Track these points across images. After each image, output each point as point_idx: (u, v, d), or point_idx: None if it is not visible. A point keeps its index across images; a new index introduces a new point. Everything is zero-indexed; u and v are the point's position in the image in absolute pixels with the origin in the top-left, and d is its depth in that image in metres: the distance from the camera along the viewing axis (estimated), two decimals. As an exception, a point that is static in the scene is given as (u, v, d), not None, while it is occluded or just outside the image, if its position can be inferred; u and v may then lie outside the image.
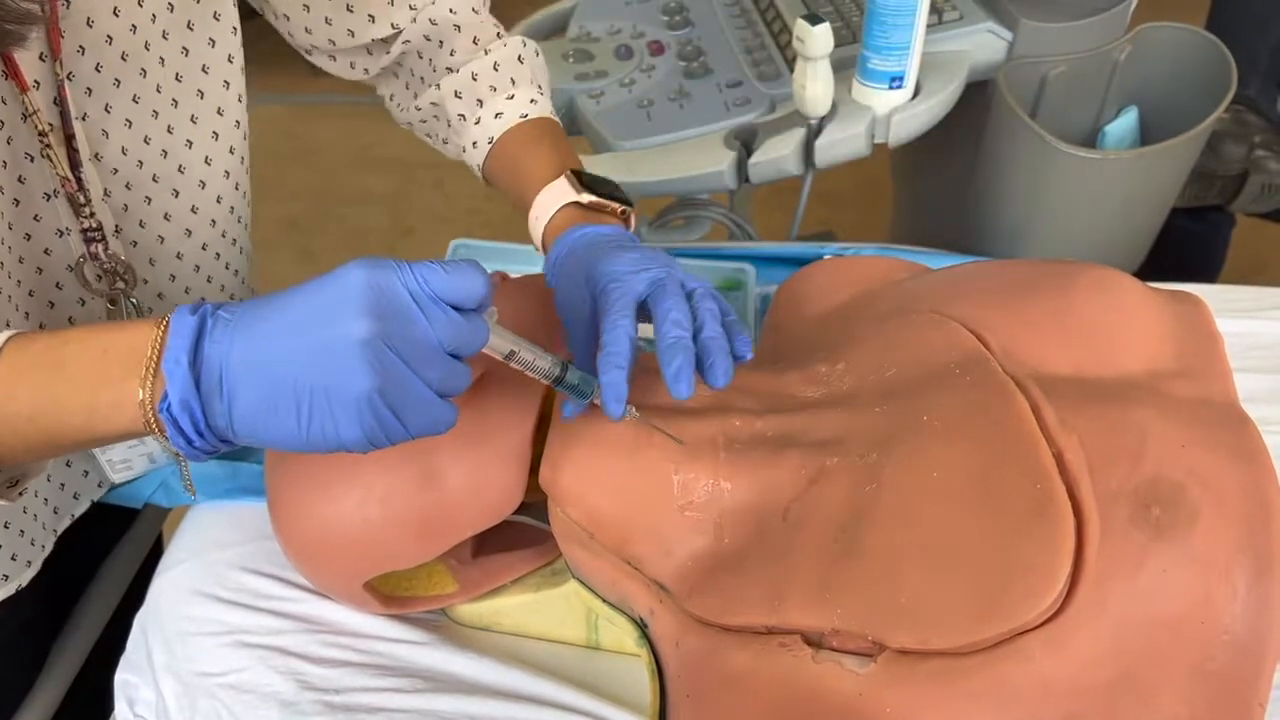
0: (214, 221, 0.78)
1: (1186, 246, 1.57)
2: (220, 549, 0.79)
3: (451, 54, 0.77)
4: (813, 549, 0.57)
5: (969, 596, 0.51)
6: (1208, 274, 1.64)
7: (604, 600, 0.67)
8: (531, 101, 0.76)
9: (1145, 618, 0.50)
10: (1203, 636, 0.51)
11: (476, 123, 0.76)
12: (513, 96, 0.76)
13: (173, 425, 0.49)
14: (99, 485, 0.83)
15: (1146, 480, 0.53)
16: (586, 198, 0.69)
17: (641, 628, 0.65)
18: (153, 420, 0.49)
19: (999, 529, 0.52)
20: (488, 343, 0.52)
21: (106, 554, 0.95)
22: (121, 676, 0.78)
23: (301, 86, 2.99)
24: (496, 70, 0.76)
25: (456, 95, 0.77)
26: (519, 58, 0.78)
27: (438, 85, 0.77)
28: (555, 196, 0.70)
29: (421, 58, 0.78)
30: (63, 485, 0.80)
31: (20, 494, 0.55)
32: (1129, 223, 1.23)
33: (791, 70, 1.14)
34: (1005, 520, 0.52)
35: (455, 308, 0.50)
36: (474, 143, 0.77)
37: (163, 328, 0.50)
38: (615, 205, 0.70)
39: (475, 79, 0.76)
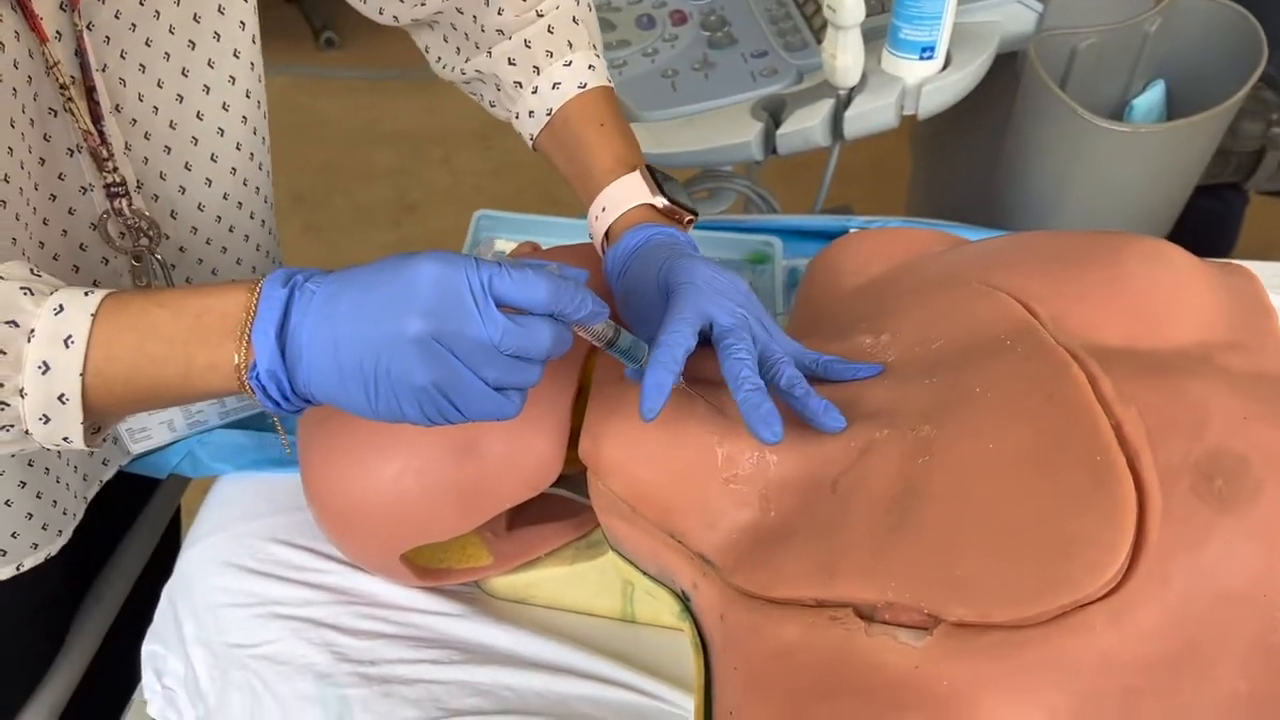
0: (234, 169, 0.77)
1: (1201, 224, 1.55)
2: (249, 520, 0.79)
3: (500, 13, 0.74)
4: (864, 522, 0.56)
5: (1029, 569, 0.50)
6: (1220, 252, 1.63)
7: (644, 573, 0.66)
8: (589, 68, 0.74)
9: (1208, 591, 0.50)
10: (1264, 610, 0.50)
11: (533, 92, 0.74)
12: (570, 63, 0.74)
13: (261, 390, 0.52)
14: (127, 453, 0.82)
15: (1209, 453, 0.52)
16: (661, 202, 0.69)
17: (684, 601, 0.64)
18: (245, 383, 0.52)
19: (1058, 501, 0.51)
20: (552, 354, 0.53)
21: (126, 526, 0.94)
22: (149, 648, 0.77)
23: (308, 59, 2.97)
24: (551, 33, 0.74)
25: (510, 62, 0.74)
26: (574, 18, 0.75)
27: (489, 52, 0.75)
28: (628, 193, 0.69)
29: (464, 14, 0.76)
30: (92, 451, 0.79)
31: (103, 440, 0.57)
32: (1155, 197, 1.22)
33: (818, 40, 1.12)
34: (1064, 493, 0.52)
35: (522, 310, 0.51)
36: (530, 112, 0.75)
37: (256, 294, 0.52)
38: (685, 214, 0.70)
39: (529, 45, 0.74)
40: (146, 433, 0.80)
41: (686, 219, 0.71)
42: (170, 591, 0.78)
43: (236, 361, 0.51)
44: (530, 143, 0.76)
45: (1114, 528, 0.50)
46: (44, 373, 0.51)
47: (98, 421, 0.56)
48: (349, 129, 2.75)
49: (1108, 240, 0.66)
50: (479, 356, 0.50)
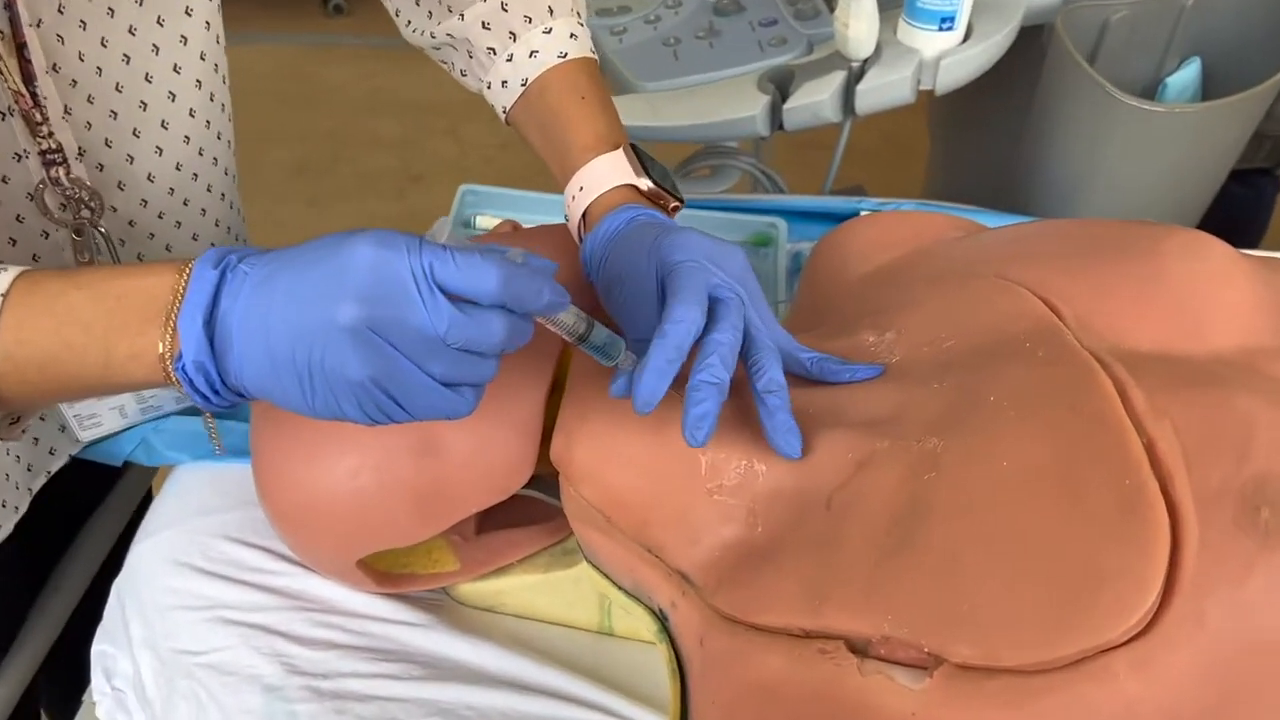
0: (188, 138, 0.71)
1: (1230, 211, 1.49)
2: (204, 515, 0.73)
3: None
4: (861, 543, 0.50)
5: (1045, 606, 0.44)
6: (1250, 242, 1.56)
7: (619, 588, 0.60)
8: (571, 36, 0.68)
9: (1249, 637, 0.43)
10: (1313, 660, 0.44)
11: (508, 59, 0.68)
12: (549, 30, 0.67)
13: (187, 383, 0.47)
14: (76, 440, 0.77)
15: (1254, 478, 0.45)
16: (646, 184, 0.63)
17: (661, 620, 0.58)
18: (171, 374, 0.47)
19: (1081, 529, 0.45)
20: (506, 348, 0.47)
21: (89, 515, 0.89)
22: (99, 647, 0.72)
23: (317, 26, 2.91)
24: None
25: (484, 26, 0.68)
26: None
27: (461, 14, 0.69)
28: (609, 172, 0.63)
29: None
30: (36, 440, 0.74)
31: (22, 431, 0.52)
32: (1187, 183, 1.14)
33: (831, 8, 1.05)
34: (1088, 519, 0.45)
35: (469, 300, 0.45)
36: (503, 82, 0.69)
37: (185, 276, 0.47)
38: (671, 199, 0.64)
39: (505, 9, 0.67)
40: (96, 419, 0.75)
41: (672, 205, 0.64)
42: (119, 589, 0.73)
43: (161, 350, 0.46)
44: (503, 116, 0.70)
45: (1144, 561, 0.44)
46: None
47: (13, 412, 0.51)
48: (355, 98, 2.70)
49: (1142, 232, 0.60)
50: (422, 349, 0.44)
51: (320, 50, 2.88)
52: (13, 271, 0.48)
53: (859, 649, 0.48)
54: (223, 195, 0.77)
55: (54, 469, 0.77)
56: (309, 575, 0.69)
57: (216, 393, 0.47)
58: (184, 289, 0.46)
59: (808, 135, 1.05)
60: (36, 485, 0.75)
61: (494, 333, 0.45)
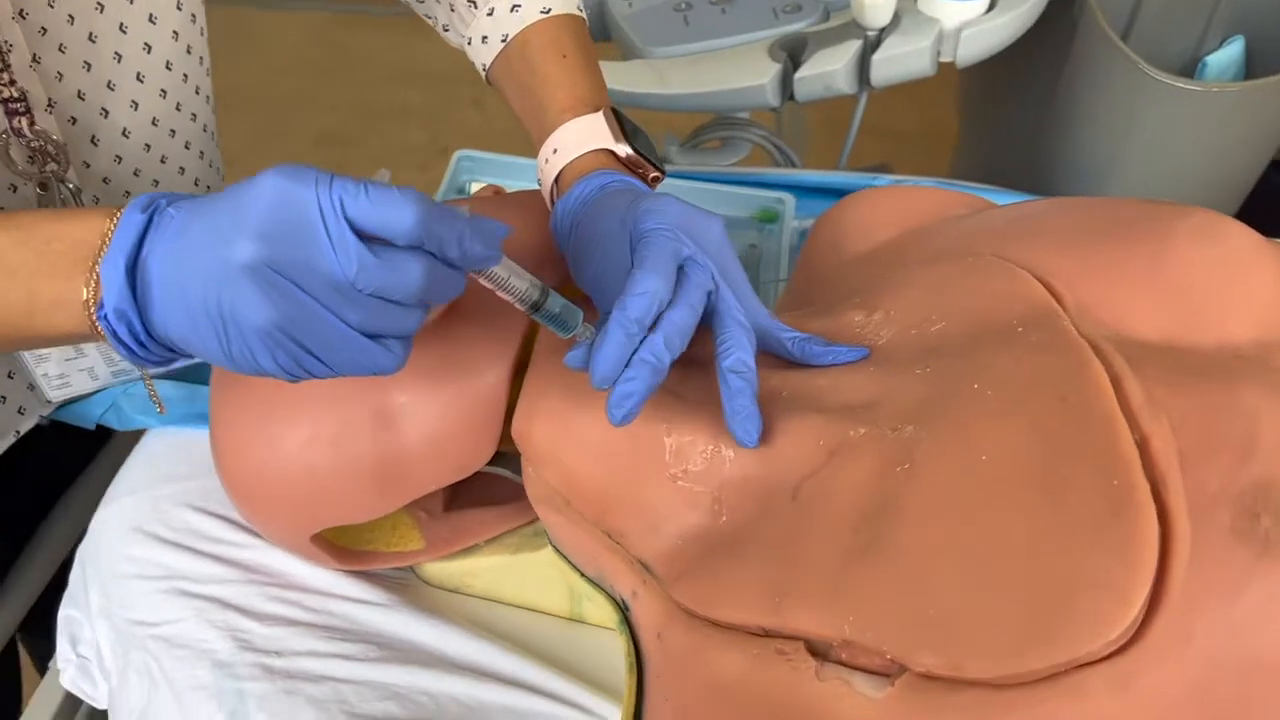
0: (164, 91, 0.68)
1: (1271, 200, 1.42)
2: (169, 482, 0.71)
3: None
4: (826, 539, 0.46)
5: (1018, 614, 0.40)
6: (1284, 232, 1.49)
7: (583, 575, 0.57)
8: None
9: (1243, 656, 0.39)
10: (1314, 685, 0.40)
11: (489, 13, 0.65)
12: None
13: (111, 333, 0.45)
14: (47, 401, 0.75)
15: (1256, 482, 0.41)
16: (625, 150, 0.59)
17: (623, 610, 0.55)
18: (95, 322, 0.45)
19: (1062, 532, 0.41)
20: (429, 298, 0.43)
21: (70, 480, 0.88)
22: (65, 612, 0.71)
23: (352, -7, 2.89)
24: None
25: None
26: None
27: None
28: (587, 135, 0.60)
29: None
30: (4, 398, 0.72)
31: None
32: (1224, 168, 1.09)
33: (850, -25, 1.00)
34: (1070, 521, 0.42)
35: (385, 240, 0.41)
36: (483, 37, 0.66)
37: (114, 220, 0.45)
38: (651, 169, 0.60)
39: None
40: (64, 379, 0.73)
41: (652, 175, 0.61)
42: (82, 555, 0.71)
43: (85, 297, 0.44)
44: (483, 73, 0.67)
45: (1128, 570, 0.40)
46: None
47: None
48: (384, 67, 2.67)
49: (1153, 211, 0.55)
50: (333, 293, 0.41)
51: (353, 19, 2.86)
52: None
53: (819, 652, 0.45)
54: (201, 153, 0.74)
55: (23, 429, 0.75)
56: (271, 549, 0.67)
57: (143, 345, 0.45)
58: (111, 233, 0.44)
59: (846, 110, 1.00)
60: (3, 445, 0.73)
61: (410, 278, 0.42)
